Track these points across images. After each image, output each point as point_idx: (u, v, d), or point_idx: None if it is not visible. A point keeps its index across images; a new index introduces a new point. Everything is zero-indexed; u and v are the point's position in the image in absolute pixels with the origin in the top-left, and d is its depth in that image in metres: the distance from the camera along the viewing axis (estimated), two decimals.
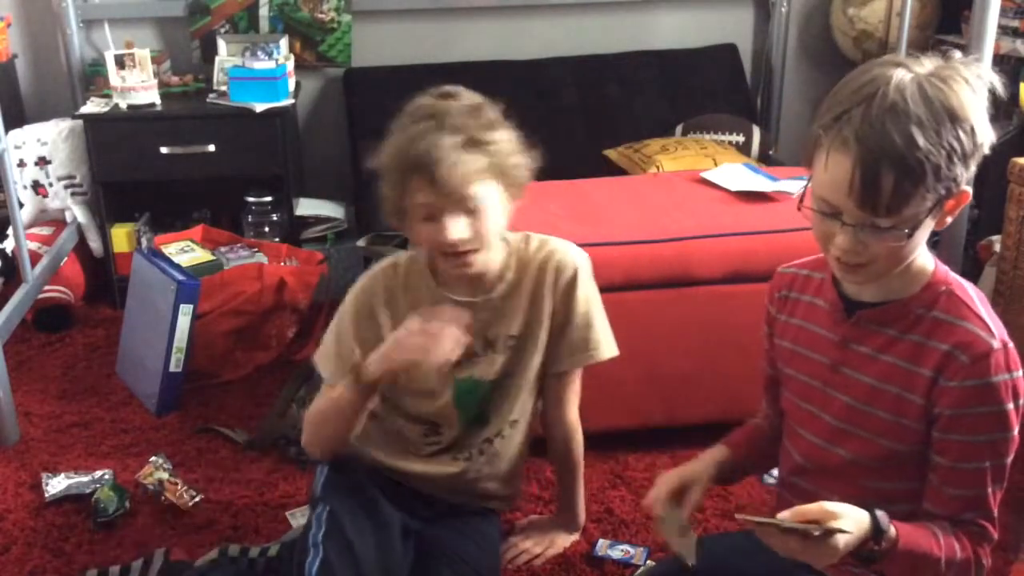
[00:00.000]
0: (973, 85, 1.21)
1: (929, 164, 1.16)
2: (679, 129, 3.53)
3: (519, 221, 2.44)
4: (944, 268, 1.35)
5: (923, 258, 1.32)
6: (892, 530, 1.22)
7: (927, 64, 1.22)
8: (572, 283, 1.81)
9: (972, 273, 3.02)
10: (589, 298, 1.84)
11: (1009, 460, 1.30)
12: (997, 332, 1.27)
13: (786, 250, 2.35)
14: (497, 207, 1.68)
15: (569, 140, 3.57)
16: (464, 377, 1.81)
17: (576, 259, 1.83)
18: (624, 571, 2.07)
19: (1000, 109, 1.26)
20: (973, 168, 1.22)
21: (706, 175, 2.73)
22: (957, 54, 1.25)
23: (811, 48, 3.91)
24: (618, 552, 2.11)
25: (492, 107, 1.70)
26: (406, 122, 1.64)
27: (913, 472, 1.34)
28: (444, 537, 1.84)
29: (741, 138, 3.45)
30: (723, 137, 3.45)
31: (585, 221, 2.44)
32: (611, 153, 3.40)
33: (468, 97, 1.67)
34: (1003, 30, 3.05)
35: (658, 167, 3.14)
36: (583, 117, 3.62)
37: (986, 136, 1.21)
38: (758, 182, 2.64)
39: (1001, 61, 3.06)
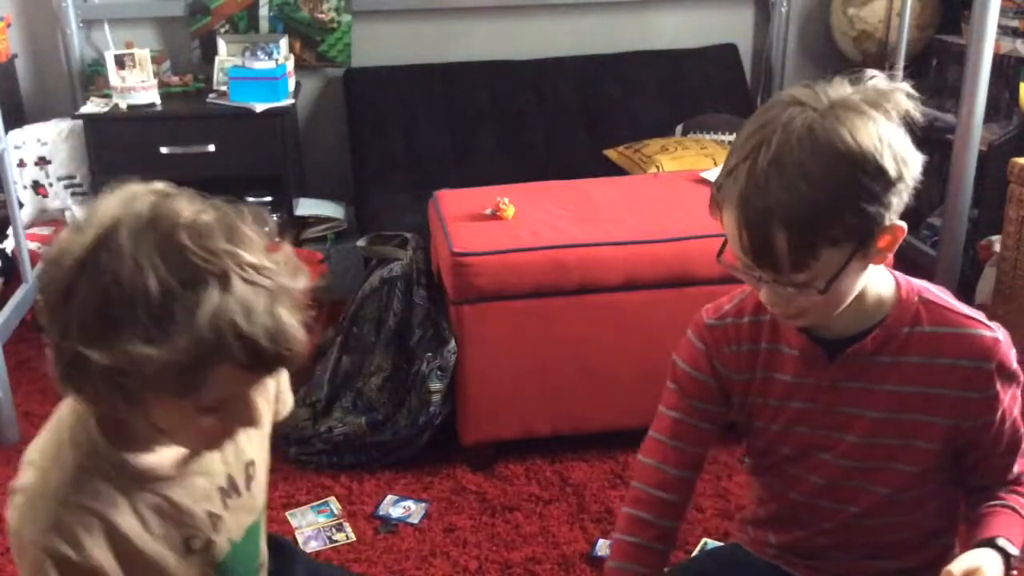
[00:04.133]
0: (877, 117, 1.09)
1: (825, 216, 1.07)
2: (679, 129, 3.53)
3: (521, 222, 2.45)
4: (903, 277, 1.27)
5: (879, 277, 1.23)
6: (1016, 549, 1.22)
7: (832, 94, 1.10)
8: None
9: (972, 273, 3.02)
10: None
11: None
12: (985, 319, 1.25)
13: None
14: None
15: (569, 140, 3.57)
16: (236, 541, 1.21)
17: None
18: None
19: (917, 136, 1.15)
20: (900, 201, 1.11)
21: (706, 175, 2.73)
22: (874, 78, 1.13)
23: (811, 48, 3.91)
24: None
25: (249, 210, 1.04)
26: (172, 284, 0.91)
27: (923, 495, 1.32)
28: None
29: None
30: (723, 137, 3.45)
31: (585, 221, 2.44)
32: (611, 153, 3.40)
33: (210, 216, 0.99)
34: (1003, 30, 3.05)
35: (658, 167, 3.14)
36: (583, 117, 3.62)
37: (907, 165, 1.09)
38: None
39: (1001, 61, 3.06)
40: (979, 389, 1.23)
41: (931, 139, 3.43)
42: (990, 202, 2.96)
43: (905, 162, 1.09)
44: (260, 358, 0.94)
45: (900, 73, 1.20)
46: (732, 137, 3.45)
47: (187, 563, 1.13)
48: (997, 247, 2.72)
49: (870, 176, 1.07)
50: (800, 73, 3.92)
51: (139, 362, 0.90)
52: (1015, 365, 1.25)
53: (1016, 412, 1.28)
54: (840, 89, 1.11)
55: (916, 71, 3.57)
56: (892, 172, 1.08)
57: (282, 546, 1.49)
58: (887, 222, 1.11)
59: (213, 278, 0.91)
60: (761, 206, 1.07)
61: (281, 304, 0.95)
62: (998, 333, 1.24)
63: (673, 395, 1.39)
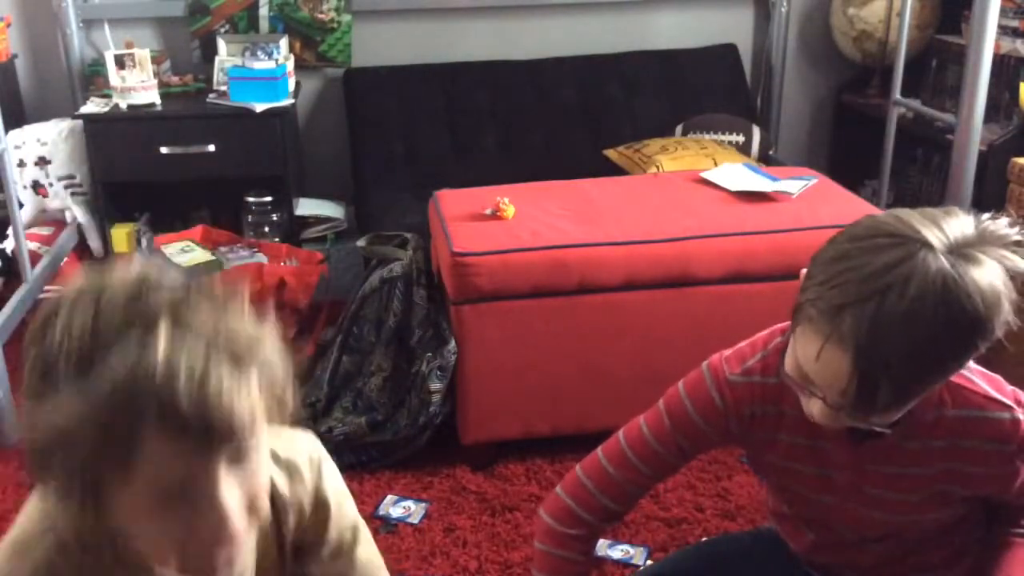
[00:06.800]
0: (997, 270, 1.04)
1: (938, 375, 1.09)
2: (679, 129, 3.53)
3: (521, 222, 2.45)
4: None
5: None
6: None
7: (954, 231, 1.04)
8: (317, 482, 1.24)
9: None
10: (337, 488, 1.27)
11: None
12: (1008, 399, 1.21)
13: (786, 250, 2.36)
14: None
15: (569, 140, 3.58)
16: None
17: (309, 451, 1.25)
18: (624, 571, 2.07)
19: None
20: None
21: (706, 175, 2.73)
22: (994, 222, 1.07)
23: (811, 48, 3.91)
24: (618, 552, 2.11)
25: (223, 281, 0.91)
26: (89, 343, 0.80)
27: (949, 530, 1.33)
28: None
29: (741, 138, 3.45)
30: (723, 137, 3.45)
31: (585, 221, 2.44)
32: (611, 153, 3.40)
33: (177, 277, 0.86)
34: (1003, 30, 3.05)
35: (658, 167, 3.14)
36: (583, 117, 3.62)
37: (1008, 317, 1.06)
38: (758, 182, 2.64)
39: (1001, 61, 3.06)
40: (1000, 466, 1.23)
41: (931, 139, 3.44)
42: (990, 202, 2.96)
43: (1007, 314, 1.07)
44: (178, 422, 0.78)
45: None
46: (732, 137, 3.44)
47: None
48: None
49: (984, 339, 1.06)
50: (800, 73, 3.92)
51: (60, 417, 0.79)
52: None
53: None
54: (963, 228, 1.06)
55: (916, 71, 3.57)
56: (999, 332, 1.07)
57: None
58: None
59: (139, 325, 0.80)
60: (881, 360, 1.03)
61: (223, 366, 0.80)
62: (1018, 414, 1.21)
63: (662, 425, 1.35)
